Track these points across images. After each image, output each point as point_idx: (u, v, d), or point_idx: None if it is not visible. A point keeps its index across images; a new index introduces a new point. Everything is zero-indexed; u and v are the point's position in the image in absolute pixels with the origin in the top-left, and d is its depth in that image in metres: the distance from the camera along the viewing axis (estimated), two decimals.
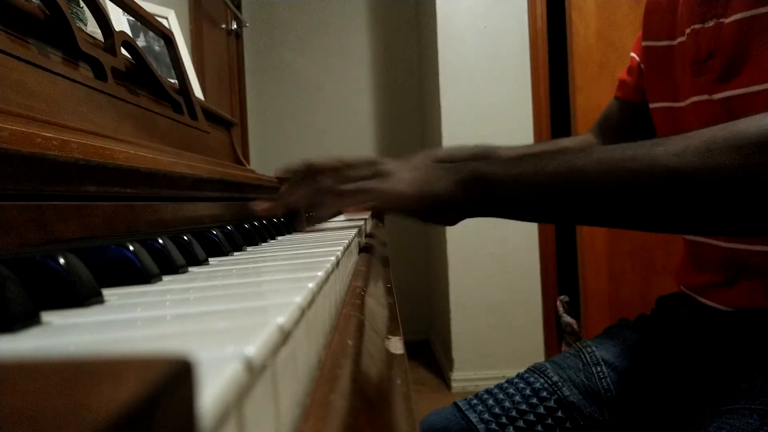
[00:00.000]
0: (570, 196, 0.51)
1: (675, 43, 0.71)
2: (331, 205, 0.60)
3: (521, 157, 0.56)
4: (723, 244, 0.66)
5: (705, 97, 0.64)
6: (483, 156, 0.84)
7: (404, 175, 0.57)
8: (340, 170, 0.62)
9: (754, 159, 0.42)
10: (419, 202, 0.56)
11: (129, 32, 0.80)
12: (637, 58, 0.82)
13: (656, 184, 0.46)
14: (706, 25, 0.64)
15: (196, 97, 0.96)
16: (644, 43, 0.77)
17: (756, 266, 0.62)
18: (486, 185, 0.54)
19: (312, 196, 0.62)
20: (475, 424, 0.69)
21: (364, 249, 0.62)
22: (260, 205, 0.65)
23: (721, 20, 0.62)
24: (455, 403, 0.73)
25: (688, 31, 0.67)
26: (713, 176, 0.43)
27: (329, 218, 0.62)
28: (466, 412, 0.71)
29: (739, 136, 0.43)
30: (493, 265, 2.26)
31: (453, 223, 0.58)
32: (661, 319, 0.76)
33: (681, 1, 0.70)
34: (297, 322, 0.19)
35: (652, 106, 0.76)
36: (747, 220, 0.45)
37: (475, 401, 0.72)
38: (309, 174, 0.64)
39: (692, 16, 0.66)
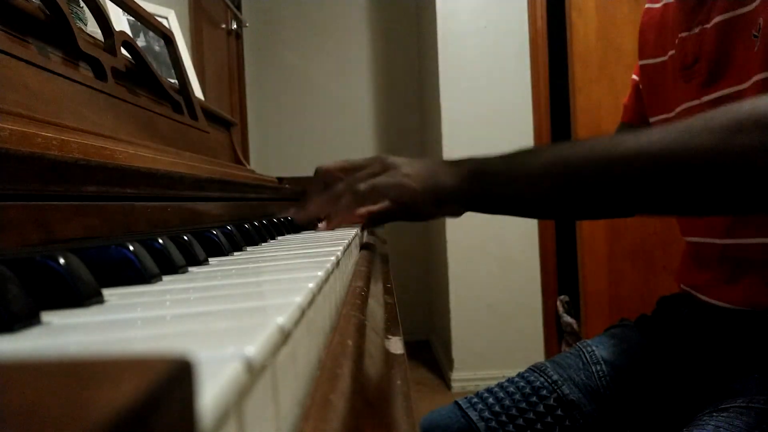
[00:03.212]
0: (560, 189, 0.52)
1: (667, 57, 0.73)
2: (349, 206, 0.61)
3: (519, 151, 0.57)
4: (721, 241, 0.66)
5: (695, 102, 0.67)
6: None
7: (409, 169, 0.59)
8: (350, 171, 0.63)
9: (728, 140, 0.44)
10: (424, 194, 0.57)
11: (129, 32, 0.80)
12: (637, 79, 0.83)
13: (638, 168, 0.47)
14: (692, 32, 0.66)
15: (196, 97, 0.96)
16: (641, 62, 0.79)
17: (755, 261, 0.62)
18: (484, 180, 0.56)
19: (331, 203, 0.63)
20: (476, 422, 0.69)
21: (364, 248, 0.62)
22: (294, 214, 0.70)
23: (705, 26, 0.64)
24: (456, 402, 0.74)
25: (676, 41, 0.69)
26: (692, 157, 0.45)
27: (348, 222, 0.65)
28: (467, 411, 0.71)
29: (713, 122, 0.45)
30: (493, 264, 2.26)
31: (457, 215, 0.60)
32: (662, 318, 0.76)
33: (671, 17, 0.71)
34: (297, 322, 0.19)
35: (651, 120, 0.78)
36: (730, 199, 0.48)
37: (475, 400, 0.73)
38: (322, 180, 0.65)
39: (680, 26, 0.69)
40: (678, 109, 0.70)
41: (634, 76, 0.84)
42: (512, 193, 0.55)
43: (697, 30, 0.65)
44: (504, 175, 0.55)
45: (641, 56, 0.79)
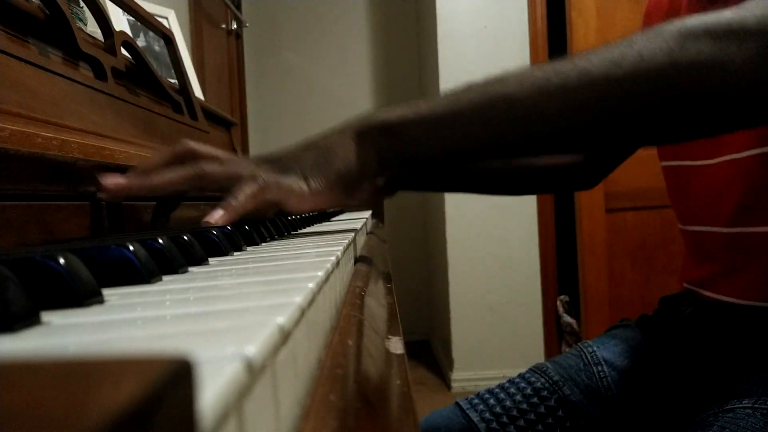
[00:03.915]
0: (498, 129, 0.44)
1: None
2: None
3: (434, 96, 0.47)
4: (723, 230, 0.66)
5: None
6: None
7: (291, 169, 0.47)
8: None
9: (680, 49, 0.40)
10: (330, 195, 0.46)
11: (129, 32, 0.80)
12: None
13: (602, 97, 0.41)
14: None
15: (196, 97, 0.96)
16: None
17: (757, 250, 0.62)
18: (395, 136, 0.45)
19: (196, 179, 0.46)
20: (476, 423, 0.69)
21: (363, 249, 0.62)
22: (110, 181, 0.44)
23: None
24: (457, 403, 0.74)
25: None
26: (650, 75, 0.40)
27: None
28: (467, 411, 0.71)
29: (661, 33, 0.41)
30: (493, 265, 2.26)
31: (376, 195, 0.49)
32: (664, 318, 0.76)
33: (684, 3, 0.70)
34: (297, 322, 0.19)
35: None
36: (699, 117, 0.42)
37: (476, 400, 0.72)
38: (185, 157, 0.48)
39: (695, 12, 0.67)
40: None
41: None
42: (434, 148, 0.45)
43: None
44: (418, 127, 0.44)
45: None
